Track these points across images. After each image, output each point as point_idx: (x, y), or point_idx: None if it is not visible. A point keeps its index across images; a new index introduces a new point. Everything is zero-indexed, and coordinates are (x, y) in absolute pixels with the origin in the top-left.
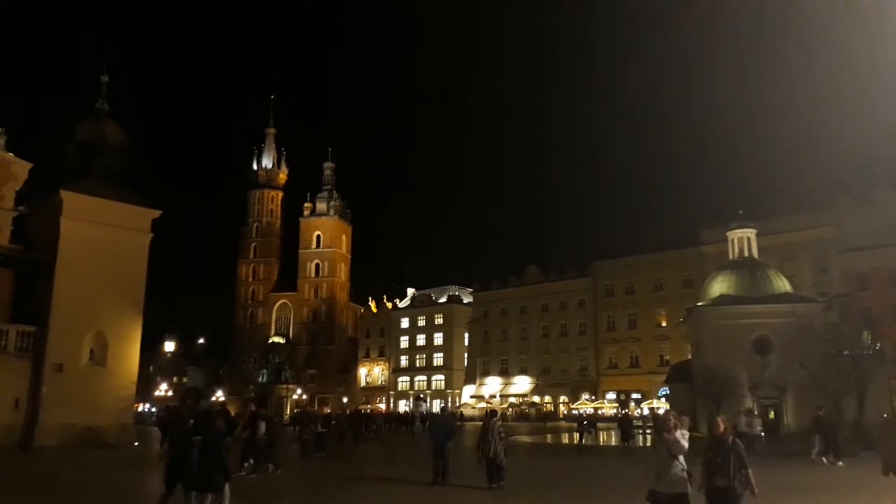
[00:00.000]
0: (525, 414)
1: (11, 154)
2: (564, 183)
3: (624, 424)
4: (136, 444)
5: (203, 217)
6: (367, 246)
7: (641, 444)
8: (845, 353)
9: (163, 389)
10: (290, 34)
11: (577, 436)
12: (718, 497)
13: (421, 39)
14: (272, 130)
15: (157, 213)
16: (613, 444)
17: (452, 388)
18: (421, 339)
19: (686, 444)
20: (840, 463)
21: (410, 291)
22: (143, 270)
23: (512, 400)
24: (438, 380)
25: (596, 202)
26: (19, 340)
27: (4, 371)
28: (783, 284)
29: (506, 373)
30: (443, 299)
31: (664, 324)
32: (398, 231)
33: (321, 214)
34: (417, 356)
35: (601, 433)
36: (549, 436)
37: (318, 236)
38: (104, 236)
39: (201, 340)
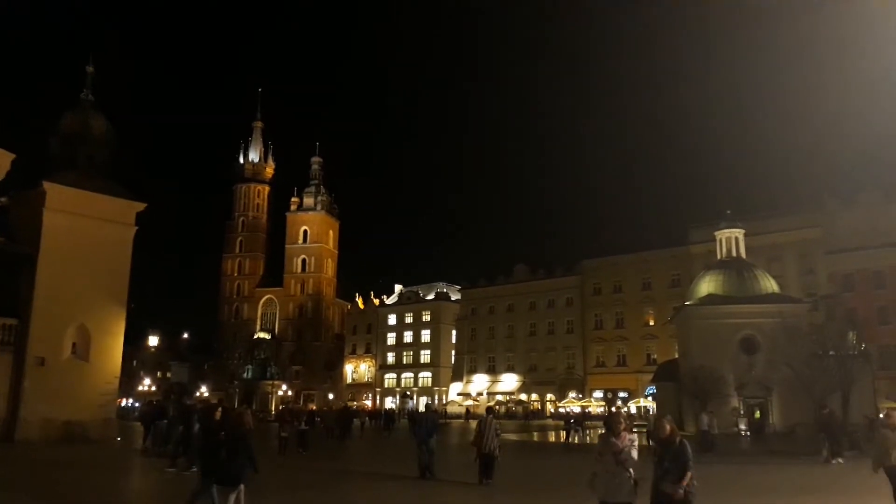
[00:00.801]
0: (512, 412)
1: None
2: (553, 181)
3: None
4: (119, 439)
5: (188, 211)
6: (354, 241)
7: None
8: (831, 353)
9: (146, 384)
10: (279, 27)
11: (563, 434)
12: None
13: (411, 36)
14: (259, 124)
15: (141, 206)
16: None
17: (439, 386)
18: (408, 336)
19: (636, 455)
20: (841, 460)
21: (398, 288)
22: (126, 264)
23: (499, 398)
24: (425, 377)
25: (584, 201)
26: (0, 333)
27: None
28: (770, 285)
29: (493, 370)
30: (430, 296)
31: (652, 323)
32: (386, 227)
33: (308, 209)
34: (404, 353)
35: (588, 431)
36: (535, 434)
37: (305, 231)
38: (88, 229)
39: (186, 335)
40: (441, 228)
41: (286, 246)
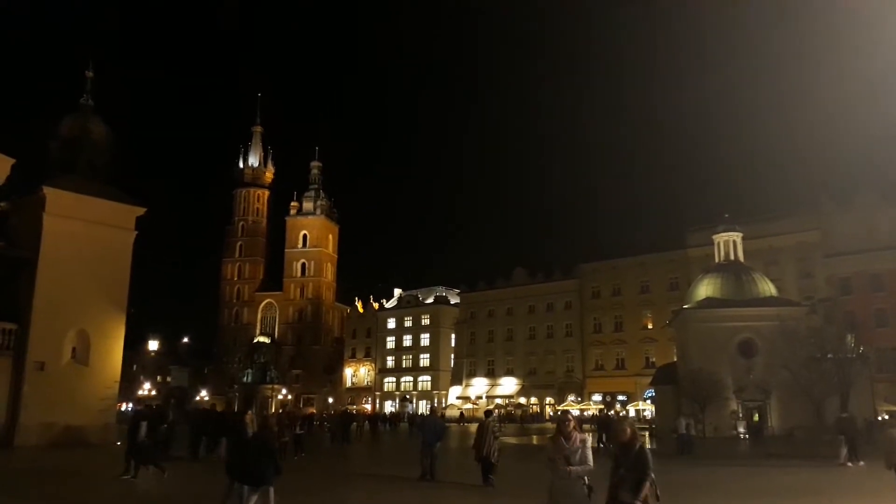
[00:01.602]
0: (511, 415)
1: None
2: (552, 185)
3: (605, 425)
4: (119, 443)
5: (188, 215)
6: (353, 246)
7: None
8: (829, 356)
9: (146, 389)
10: (279, 32)
11: None
12: None
13: (411, 39)
14: (259, 129)
15: (141, 211)
16: (599, 445)
17: (439, 389)
18: (407, 340)
19: (590, 457)
20: (861, 463)
21: (397, 292)
22: (126, 268)
23: (498, 401)
24: (425, 381)
25: (583, 205)
26: (0, 338)
27: None
28: (768, 288)
29: (492, 374)
30: (429, 300)
31: (650, 326)
32: (385, 231)
33: (308, 213)
34: (404, 357)
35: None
36: (535, 437)
37: (305, 235)
38: (87, 233)
39: (186, 339)
40: (440, 232)
41: (286, 250)
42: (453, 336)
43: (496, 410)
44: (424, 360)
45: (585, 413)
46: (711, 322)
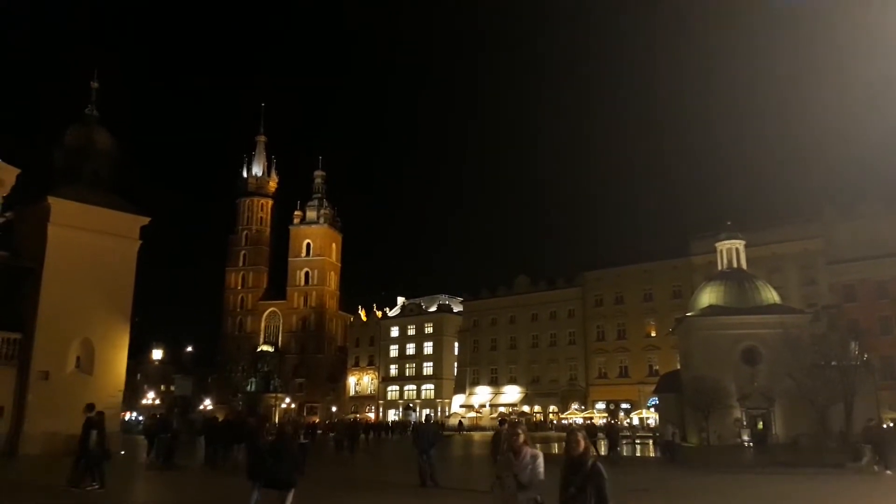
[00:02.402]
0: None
1: None
2: (555, 193)
3: (611, 434)
4: (123, 452)
5: (192, 225)
6: (357, 254)
7: (626, 454)
8: (833, 363)
9: (150, 398)
10: (282, 42)
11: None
12: None
13: (411, 46)
14: (263, 138)
15: (145, 220)
16: (602, 453)
17: (442, 398)
18: (410, 349)
19: (542, 472)
20: (889, 472)
21: (400, 300)
22: (130, 277)
23: (501, 409)
24: (428, 389)
25: (586, 213)
26: (4, 347)
27: None
28: (771, 295)
29: (495, 382)
30: (433, 308)
31: (653, 334)
32: (388, 239)
33: (311, 223)
34: (407, 365)
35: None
36: (538, 445)
37: (308, 244)
38: (92, 243)
39: (189, 348)
40: (443, 240)
41: (289, 259)
42: (456, 344)
43: (513, 417)
44: (427, 368)
45: (596, 422)
46: (715, 330)
